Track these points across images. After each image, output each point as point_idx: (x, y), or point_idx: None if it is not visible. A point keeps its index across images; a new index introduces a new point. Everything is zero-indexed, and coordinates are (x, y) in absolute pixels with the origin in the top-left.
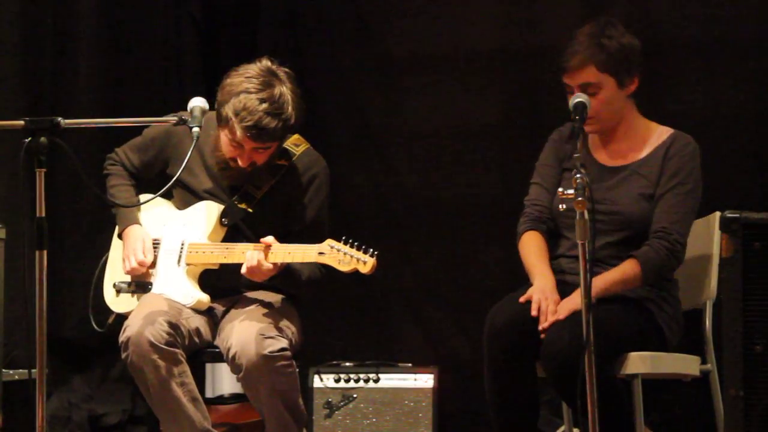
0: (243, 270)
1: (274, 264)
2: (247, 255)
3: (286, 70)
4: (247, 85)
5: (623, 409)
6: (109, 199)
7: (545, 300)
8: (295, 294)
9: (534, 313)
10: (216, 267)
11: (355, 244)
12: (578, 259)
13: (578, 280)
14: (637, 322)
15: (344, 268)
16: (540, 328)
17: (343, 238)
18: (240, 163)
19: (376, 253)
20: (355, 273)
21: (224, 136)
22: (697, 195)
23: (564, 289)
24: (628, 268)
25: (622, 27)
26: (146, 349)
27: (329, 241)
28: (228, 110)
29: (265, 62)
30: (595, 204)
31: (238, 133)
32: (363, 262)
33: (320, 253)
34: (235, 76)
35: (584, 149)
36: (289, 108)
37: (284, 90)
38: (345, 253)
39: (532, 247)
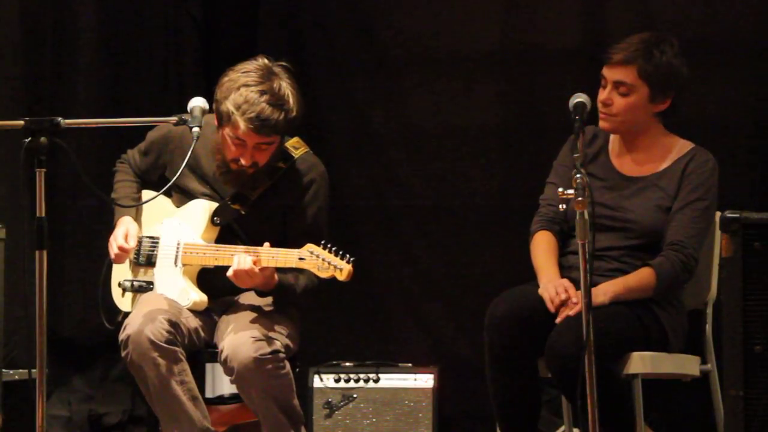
0: (229, 273)
1: (262, 269)
2: (235, 259)
3: (283, 63)
4: (245, 79)
5: (625, 408)
6: (108, 199)
7: (557, 288)
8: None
9: (551, 308)
10: (212, 266)
11: (333, 249)
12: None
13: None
14: (642, 324)
15: (323, 274)
16: (561, 313)
17: (322, 242)
18: (243, 161)
19: (352, 259)
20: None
21: (226, 136)
22: (712, 212)
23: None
24: (644, 276)
25: (679, 50)
26: (146, 347)
27: (309, 246)
28: (229, 105)
29: (262, 59)
30: (611, 210)
31: (242, 126)
32: (339, 269)
33: (300, 259)
34: (232, 73)
35: (604, 156)
36: (290, 100)
37: (283, 84)
38: (323, 260)
39: (542, 247)
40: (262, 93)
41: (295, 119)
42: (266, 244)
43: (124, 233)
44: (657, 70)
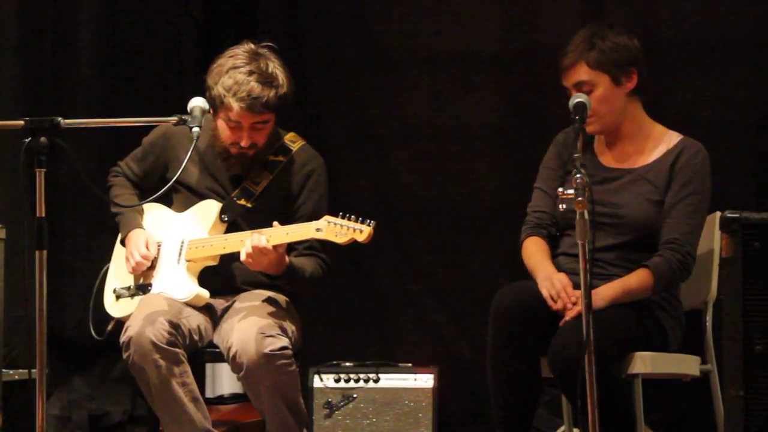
0: (242, 256)
1: (275, 247)
2: (247, 241)
3: (269, 44)
4: (233, 62)
5: (626, 409)
6: (109, 199)
7: (557, 284)
8: (296, 292)
9: (551, 304)
10: (215, 263)
11: (352, 217)
12: (577, 257)
13: (577, 279)
14: (642, 324)
15: (341, 240)
16: (566, 312)
17: (341, 213)
18: (242, 144)
19: (373, 222)
20: (353, 243)
21: (221, 122)
22: (706, 206)
23: None
24: (643, 277)
25: (621, 29)
26: (148, 349)
27: (326, 217)
28: (220, 89)
29: (247, 44)
30: (599, 206)
31: (234, 107)
32: (359, 231)
33: (317, 230)
34: (220, 59)
35: (590, 153)
36: (279, 77)
37: (270, 63)
38: (342, 226)
39: (533, 250)
40: (250, 73)
41: (286, 96)
42: (275, 223)
43: (144, 242)
44: (604, 55)
